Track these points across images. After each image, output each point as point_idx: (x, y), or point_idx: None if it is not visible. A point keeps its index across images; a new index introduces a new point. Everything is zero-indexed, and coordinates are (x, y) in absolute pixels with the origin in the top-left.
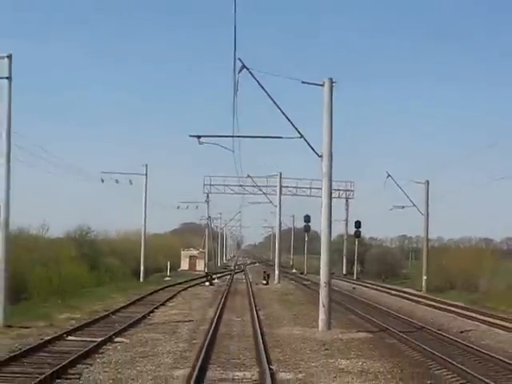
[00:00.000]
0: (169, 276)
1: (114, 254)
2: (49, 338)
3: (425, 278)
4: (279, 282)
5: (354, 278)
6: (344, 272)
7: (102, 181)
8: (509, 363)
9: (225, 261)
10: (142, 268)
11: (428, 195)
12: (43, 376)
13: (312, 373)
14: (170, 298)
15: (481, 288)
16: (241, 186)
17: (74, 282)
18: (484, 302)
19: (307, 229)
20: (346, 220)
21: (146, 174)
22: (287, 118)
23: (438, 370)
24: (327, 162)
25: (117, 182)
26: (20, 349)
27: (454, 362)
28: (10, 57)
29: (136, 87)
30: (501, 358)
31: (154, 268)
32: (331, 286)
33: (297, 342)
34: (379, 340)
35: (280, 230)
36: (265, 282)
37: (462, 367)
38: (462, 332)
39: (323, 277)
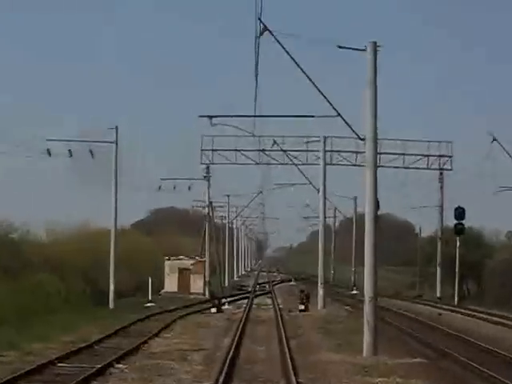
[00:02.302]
0: (150, 302)
1: (48, 265)
2: (40, 363)
3: None
4: (324, 307)
5: (456, 302)
6: (438, 294)
7: (49, 154)
8: None
9: (237, 277)
10: (111, 288)
11: None
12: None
13: None
14: (165, 328)
15: None
16: (263, 151)
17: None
18: None
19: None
20: (441, 206)
21: (117, 142)
22: (320, 91)
23: None
24: (371, 147)
25: (70, 154)
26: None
27: None
28: None
29: None
30: None
31: (120, 289)
32: (377, 300)
33: (330, 366)
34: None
35: (325, 224)
36: (302, 306)
37: None
38: None
39: (368, 289)
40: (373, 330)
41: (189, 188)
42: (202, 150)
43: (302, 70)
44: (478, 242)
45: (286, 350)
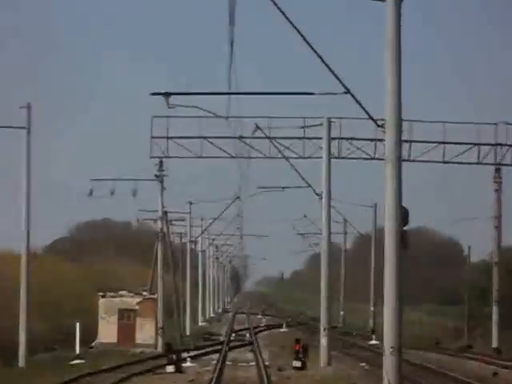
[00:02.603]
0: (79, 357)
1: None
2: None
3: None
4: (329, 364)
5: None
6: (495, 344)
7: None
8: None
9: (203, 321)
10: (21, 339)
11: None
12: None
13: None
14: None
15: None
16: (241, 139)
17: None
18: None
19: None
20: (499, 217)
21: (29, 127)
22: (321, 58)
23: None
24: (393, 135)
25: None
26: None
27: None
28: None
29: None
30: None
31: (35, 340)
32: (402, 354)
33: None
34: None
35: (330, 243)
36: (298, 363)
37: None
38: None
39: (389, 337)
40: None
41: (134, 193)
42: (152, 138)
43: (296, 28)
44: None
45: None
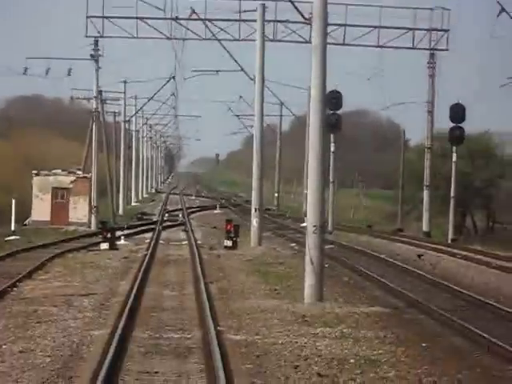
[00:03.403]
0: (14, 234)
1: None
2: None
3: None
4: (260, 244)
5: (449, 240)
6: (425, 228)
7: None
8: None
9: (135, 202)
10: None
11: None
12: None
13: (273, 336)
14: (38, 269)
15: None
16: (176, 20)
17: None
18: None
19: (334, 122)
20: (432, 102)
21: None
22: None
23: None
24: (320, 29)
25: None
26: None
27: None
28: None
29: None
30: None
31: None
32: (325, 231)
33: (260, 314)
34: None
35: (262, 124)
36: (229, 242)
37: None
38: None
39: (312, 216)
40: (318, 270)
41: (69, 72)
42: (87, 18)
43: None
44: (487, 154)
45: (204, 295)
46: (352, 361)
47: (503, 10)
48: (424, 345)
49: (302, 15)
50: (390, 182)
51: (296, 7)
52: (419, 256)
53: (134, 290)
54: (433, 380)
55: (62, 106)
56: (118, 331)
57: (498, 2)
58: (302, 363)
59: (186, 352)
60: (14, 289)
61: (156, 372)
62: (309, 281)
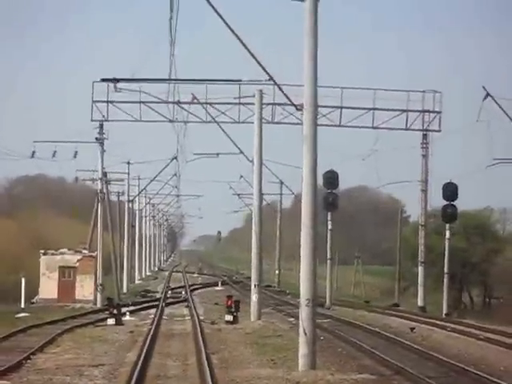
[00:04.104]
0: (24, 311)
1: None
2: None
3: None
4: (259, 319)
5: (443, 315)
6: (420, 303)
7: None
8: None
9: (139, 279)
10: None
11: None
12: None
13: None
14: (49, 343)
15: None
16: (179, 104)
17: None
18: None
19: (330, 201)
20: (425, 181)
21: None
22: (249, 51)
23: None
24: (310, 121)
25: None
26: None
27: None
28: None
29: None
30: None
31: None
32: (316, 305)
33: (257, 381)
34: None
35: (261, 202)
36: (229, 317)
37: None
38: None
39: (304, 290)
40: (310, 340)
41: (75, 155)
42: (93, 102)
43: (226, 23)
44: (482, 230)
45: (206, 365)
46: None
47: (488, 94)
48: None
49: (294, 104)
50: (391, 258)
51: (288, 97)
52: (411, 329)
53: (141, 361)
54: None
55: (64, 185)
56: None
57: (483, 87)
58: None
59: None
60: (28, 361)
61: None
62: (302, 350)
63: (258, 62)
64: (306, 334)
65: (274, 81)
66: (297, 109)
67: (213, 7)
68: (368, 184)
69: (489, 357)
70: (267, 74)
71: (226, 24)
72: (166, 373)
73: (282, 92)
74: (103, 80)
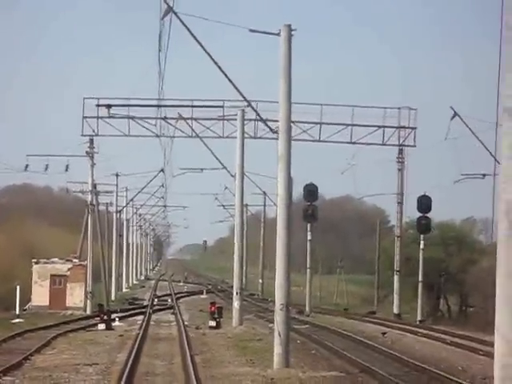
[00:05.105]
0: (18, 317)
1: None
2: None
3: None
4: (241, 324)
5: (417, 321)
6: (396, 310)
7: None
8: None
9: (126, 288)
10: None
11: None
12: None
13: None
14: (45, 346)
15: None
16: (165, 120)
17: None
18: None
19: (310, 213)
20: (401, 194)
21: None
22: (229, 79)
23: None
24: (285, 142)
25: None
26: None
27: None
28: None
29: None
30: None
31: None
32: (289, 309)
33: (235, 377)
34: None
35: (243, 213)
36: (213, 322)
37: None
38: None
39: (279, 296)
40: (284, 341)
41: (66, 168)
42: (83, 118)
43: (209, 55)
44: (460, 241)
45: (190, 364)
46: None
47: (456, 114)
48: None
49: (270, 128)
50: (374, 268)
51: (264, 122)
52: (383, 334)
53: (131, 360)
54: None
55: (52, 195)
56: None
57: (450, 107)
58: None
59: None
60: (28, 361)
61: None
62: (277, 350)
63: (238, 91)
64: (280, 335)
65: (252, 107)
66: (272, 131)
67: (198, 42)
68: (353, 194)
69: (451, 358)
70: (246, 100)
71: (211, 58)
72: (154, 370)
73: (260, 117)
74: (98, 106)
